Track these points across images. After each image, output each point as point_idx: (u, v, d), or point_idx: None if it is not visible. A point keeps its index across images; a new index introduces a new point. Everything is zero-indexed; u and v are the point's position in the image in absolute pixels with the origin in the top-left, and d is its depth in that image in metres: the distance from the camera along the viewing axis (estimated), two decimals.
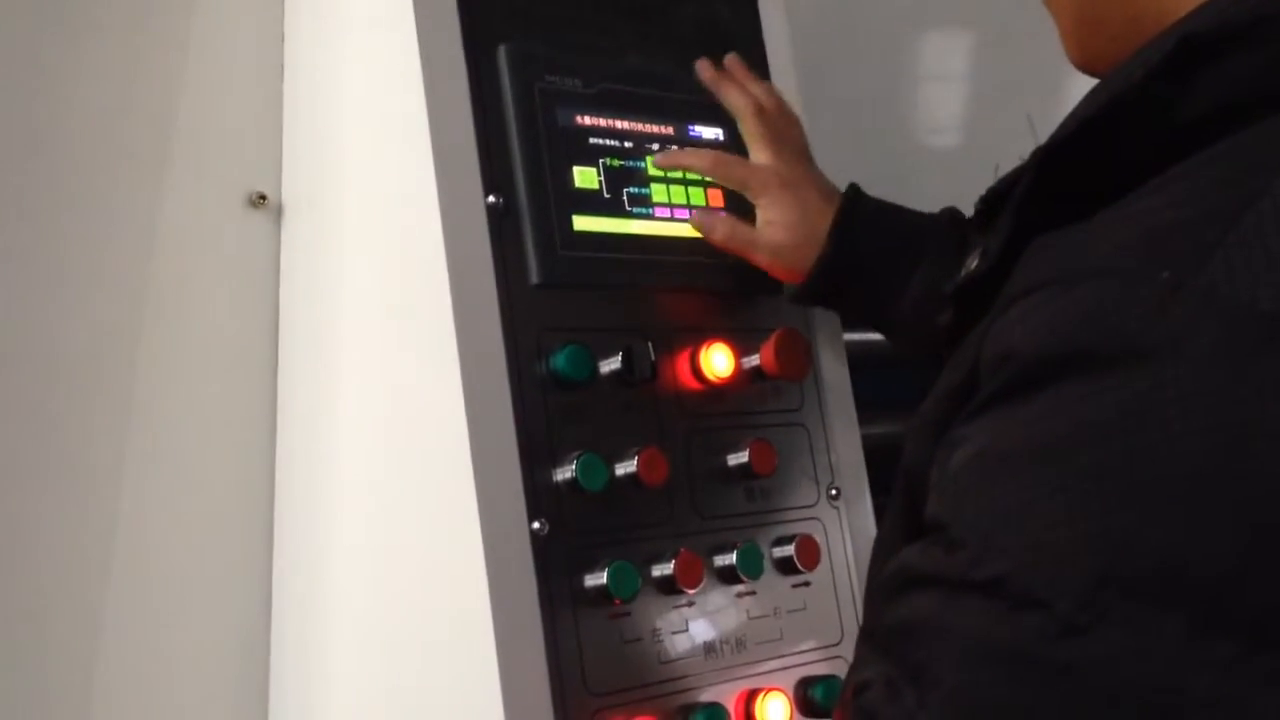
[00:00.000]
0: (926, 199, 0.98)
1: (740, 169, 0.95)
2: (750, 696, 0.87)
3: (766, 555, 0.90)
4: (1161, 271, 0.44)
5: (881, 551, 0.59)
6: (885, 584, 0.52)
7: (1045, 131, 0.55)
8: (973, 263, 0.57)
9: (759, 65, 1.03)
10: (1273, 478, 0.42)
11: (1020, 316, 0.48)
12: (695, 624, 0.86)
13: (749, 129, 0.96)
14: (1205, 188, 0.47)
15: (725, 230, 0.94)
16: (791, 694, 0.89)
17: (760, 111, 0.97)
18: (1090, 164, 0.53)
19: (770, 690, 0.87)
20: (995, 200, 0.59)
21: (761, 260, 0.95)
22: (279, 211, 1.00)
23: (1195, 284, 0.43)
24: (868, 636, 0.53)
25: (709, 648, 0.86)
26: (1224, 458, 0.42)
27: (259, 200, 0.99)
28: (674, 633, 0.85)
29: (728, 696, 0.86)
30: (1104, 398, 0.44)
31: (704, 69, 0.98)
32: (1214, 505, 0.42)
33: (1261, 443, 0.42)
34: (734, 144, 0.98)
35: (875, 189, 1.00)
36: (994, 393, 0.48)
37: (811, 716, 0.89)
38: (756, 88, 0.99)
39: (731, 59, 1.00)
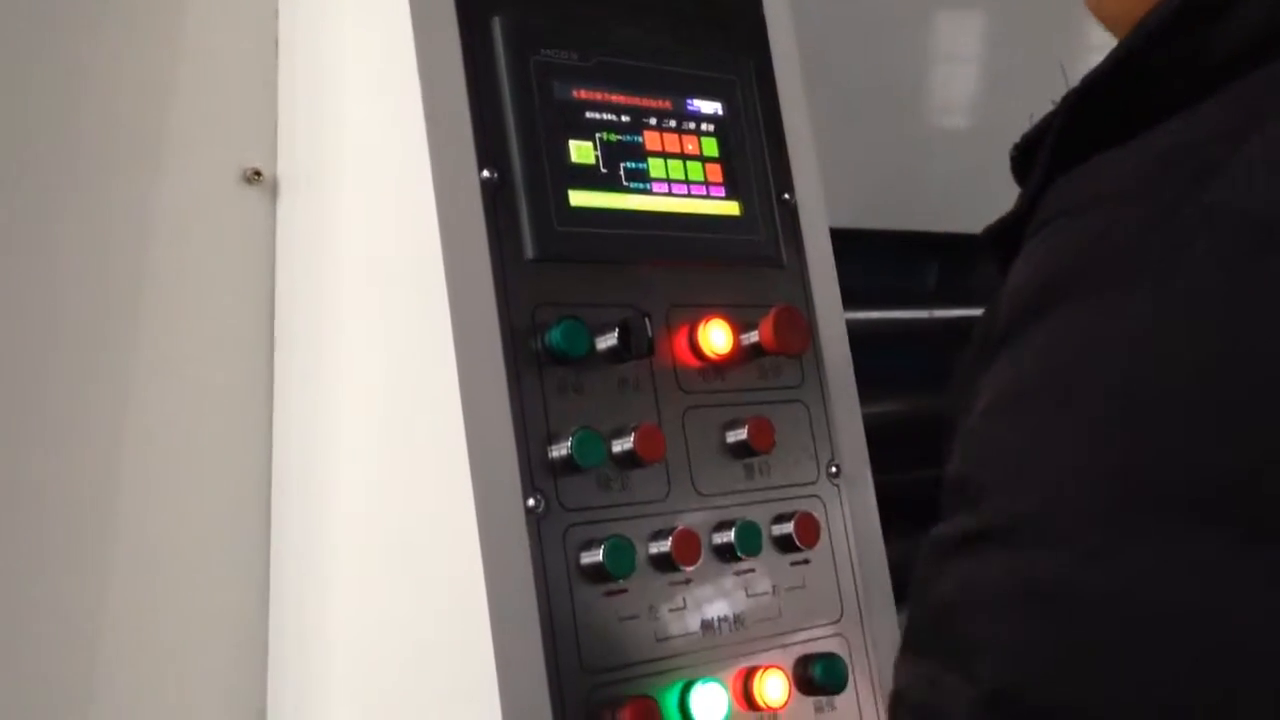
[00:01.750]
0: (935, 180, 0.97)
1: None
2: (749, 674, 0.86)
3: (765, 532, 0.90)
4: (1164, 192, 0.44)
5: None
6: (921, 567, 0.49)
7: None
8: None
9: (759, 41, 1.02)
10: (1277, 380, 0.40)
11: (1030, 251, 0.48)
12: (692, 602, 0.86)
13: None
14: (1216, 112, 0.46)
15: None
16: (790, 672, 0.88)
17: None
18: (1123, 103, 0.52)
19: (769, 668, 0.87)
20: (1029, 147, 0.57)
21: None
22: (274, 188, 0.99)
23: (1197, 200, 0.43)
24: (904, 647, 0.50)
25: (706, 625, 0.86)
26: (1228, 364, 0.41)
27: (254, 177, 0.98)
28: (671, 610, 0.84)
29: (726, 674, 0.85)
30: (1107, 318, 0.43)
31: None
32: (1223, 412, 0.40)
33: (1265, 345, 0.40)
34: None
35: (881, 171, 0.98)
36: (1004, 331, 0.48)
37: (810, 695, 0.89)
38: None
39: None
